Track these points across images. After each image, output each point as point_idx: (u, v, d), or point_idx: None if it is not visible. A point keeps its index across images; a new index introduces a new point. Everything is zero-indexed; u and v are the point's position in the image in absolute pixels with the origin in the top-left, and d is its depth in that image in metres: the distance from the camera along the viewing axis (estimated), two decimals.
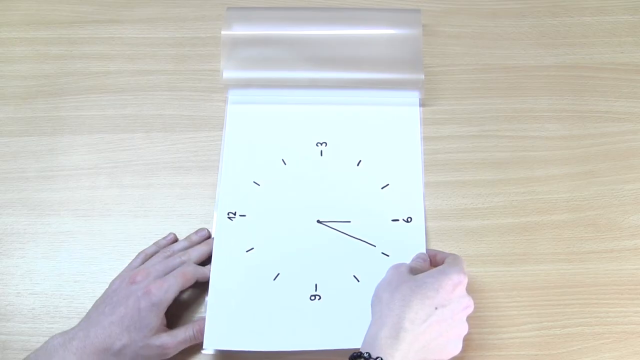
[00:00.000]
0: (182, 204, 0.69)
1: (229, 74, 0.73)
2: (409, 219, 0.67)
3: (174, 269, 0.62)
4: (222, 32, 0.74)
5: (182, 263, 0.63)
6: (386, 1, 0.81)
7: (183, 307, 0.64)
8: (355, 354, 0.52)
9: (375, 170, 0.70)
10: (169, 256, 0.63)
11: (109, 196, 0.70)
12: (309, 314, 0.63)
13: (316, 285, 0.64)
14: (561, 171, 0.71)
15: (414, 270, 0.59)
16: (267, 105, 0.74)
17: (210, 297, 0.63)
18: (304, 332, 0.62)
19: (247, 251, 0.66)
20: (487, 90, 0.75)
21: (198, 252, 0.65)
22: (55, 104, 0.75)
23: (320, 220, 0.67)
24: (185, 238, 0.67)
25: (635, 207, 0.69)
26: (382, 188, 0.69)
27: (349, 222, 0.67)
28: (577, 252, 0.67)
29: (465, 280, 0.57)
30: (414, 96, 0.74)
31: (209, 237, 0.67)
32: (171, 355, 0.59)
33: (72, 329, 0.58)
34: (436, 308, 0.54)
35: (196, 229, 0.68)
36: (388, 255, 0.65)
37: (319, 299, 0.63)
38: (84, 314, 0.60)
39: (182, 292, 0.62)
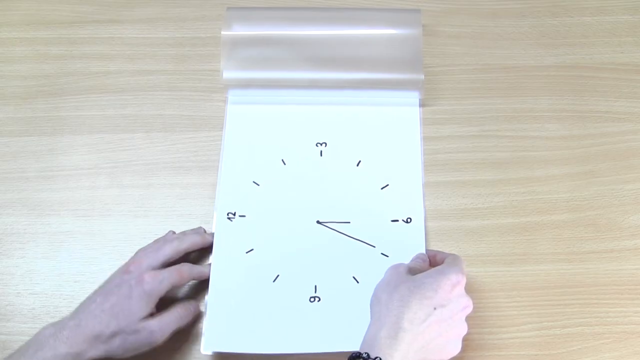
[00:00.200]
0: (182, 204, 0.69)
1: (228, 74, 0.73)
2: (409, 220, 0.67)
3: (165, 257, 0.61)
4: (222, 32, 0.74)
5: (174, 249, 0.62)
6: (386, 1, 0.81)
7: None
8: (354, 354, 0.52)
9: (375, 170, 0.70)
10: (161, 246, 0.63)
11: (109, 196, 0.70)
12: (308, 316, 0.63)
13: (316, 286, 0.64)
14: (561, 171, 0.71)
15: (412, 271, 0.59)
16: (267, 105, 0.74)
17: (210, 299, 0.63)
18: (303, 335, 0.62)
19: (246, 252, 0.66)
20: (487, 90, 0.75)
21: (190, 239, 0.64)
22: (55, 104, 0.75)
23: (320, 220, 0.67)
24: (181, 232, 0.66)
25: (635, 207, 0.69)
26: (381, 188, 0.69)
27: (349, 222, 0.67)
28: (577, 252, 0.67)
29: (464, 280, 0.56)
30: (413, 96, 0.74)
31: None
32: (160, 341, 0.58)
33: (64, 318, 0.57)
34: (435, 308, 0.54)
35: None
36: (387, 256, 0.65)
37: (318, 301, 0.63)
38: None
39: (182, 293, 0.62)
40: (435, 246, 0.67)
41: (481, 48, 0.78)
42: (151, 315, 0.58)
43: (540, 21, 0.79)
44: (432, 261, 0.63)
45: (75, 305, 0.58)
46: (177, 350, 0.62)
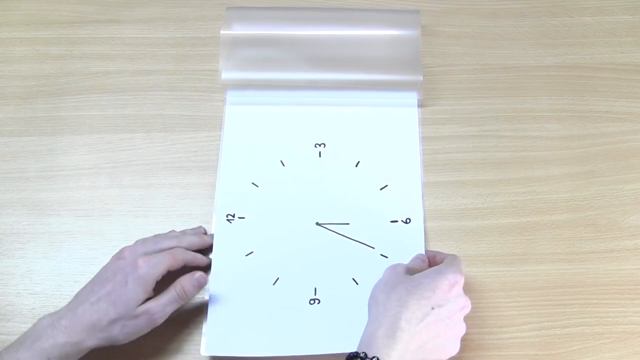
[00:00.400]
0: (182, 204, 0.70)
1: (227, 74, 0.73)
2: (408, 220, 0.67)
3: (162, 250, 0.61)
4: (222, 32, 0.74)
5: (172, 245, 0.62)
6: (386, 1, 0.81)
7: (183, 310, 0.64)
8: (351, 354, 0.52)
9: (374, 171, 0.70)
10: (160, 240, 0.63)
11: (109, 196, 0.70)
12: (308, 318, 0.63)
13: (315, 289, 0.64)
14: (561, 171, 0.71)
15: (411, 271, 0.59)
16: (265, 106, 0.74)
17: (210, 302, 0.63)
18: (303, 337, 0.62)
19: (246, 255, 0.66)
20: (487, 90, 0.75)
21: (189, 239, 0.64)
22: (55, 104, 0.75)
23: (319, 222, 0.67)
24: (181, 231, 0.67)
25: (635, 207, 0.69)
26: (380, 189, 0.69)
27: (348, 224, 0.67)
28: (577, 252, 0.67)
29: (462, 280, 0.56)
30: (412, 97, 0.74)
31: (204, 234, 0.67)
32: (160, 320, 0.58)
33: (61, 309, 0.57)
34: (433, 308, 0.54)
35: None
36: (387, 257, 0.65)
37: (318, 303, 0.63)
38: None
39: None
40: (435, 246, 0.67)
41: (481, 48, 0.78)
42: (149, 299, 0.59)
43: (540, 21, 0.79)
44: (432, 262, 0.63)
45: None
46: (178, 352, 0.63)
